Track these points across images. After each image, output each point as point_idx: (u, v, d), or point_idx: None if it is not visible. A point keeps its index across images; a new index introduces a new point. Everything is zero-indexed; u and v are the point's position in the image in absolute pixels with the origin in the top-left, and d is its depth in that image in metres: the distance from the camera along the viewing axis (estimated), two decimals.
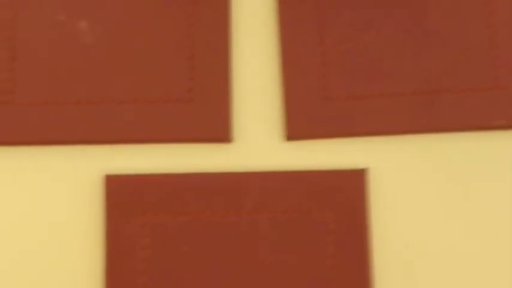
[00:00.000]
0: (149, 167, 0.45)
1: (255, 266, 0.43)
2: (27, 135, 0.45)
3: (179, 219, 0.43)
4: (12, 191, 0.45)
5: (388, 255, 0.44)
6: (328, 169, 0.44)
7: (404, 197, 0.45)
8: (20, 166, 0.45)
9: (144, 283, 0.42)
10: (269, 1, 0.48)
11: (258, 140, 0.46)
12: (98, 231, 0.44)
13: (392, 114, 0.45)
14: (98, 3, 0.47)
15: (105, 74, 0.46)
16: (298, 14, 0.47)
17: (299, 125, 0.45)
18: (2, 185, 0.45)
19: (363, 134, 0.45)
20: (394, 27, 0.46)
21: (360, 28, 0.46)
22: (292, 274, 0.43)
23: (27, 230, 0.44)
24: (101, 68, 0.46)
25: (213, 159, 0.45)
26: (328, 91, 0.45)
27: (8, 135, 0.45)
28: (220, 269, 0.43)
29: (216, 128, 0.45)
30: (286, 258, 0.43)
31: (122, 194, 0.44)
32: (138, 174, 0.44)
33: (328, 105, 0.45)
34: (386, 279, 0.44)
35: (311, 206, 0.44)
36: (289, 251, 0.43)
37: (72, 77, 0.45)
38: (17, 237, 0.44)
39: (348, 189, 0.44)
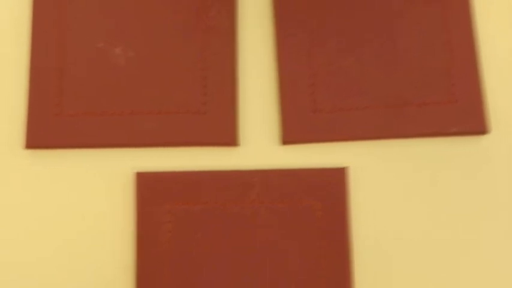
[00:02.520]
0: (171, 166, 0.48)
1: (257, 245, 0.47)
2: (72, 140, 0.49)
3: (196, 207, 0.47)
4: (63, 186, 0.49)
5: (364, 236, 0.47)
6: (316, 167, 0.48)
7: (378, 190, 0.48)
8: (67, 166, 0.49)
9: (168, 259, 0.46)
10: (269, 31, 0.51)
11: (260, 144, 0.49)
12: (130, 217, 0.48)
13: (368, 123, 0.48)
14: (129, 34, 0.50)
15: (136, 91, 0.49)
16: (292, 42, 0.50)
17: (292, 132, 0.49)
18: (54, 181, 0.49)
19: (344, 139, 0.49)
20: (369, 53, 0.50)
21: (342, 54, 0.50)
22: (286, 252, 0.46)
23: (74, 216, 0.48)
24: (132, 86, 0.49)
25: (223, 159, 0.49)
26: (316, 105, 0.49)
27: (57, 140, 0.49)
28: (228, 247, 0.47)
29: (225, 134, 0.49)
30: (282, 238, 0.47)
31: (150, 188, 0.47)
32: (163, 171, 0.48)
33: (316, 116, 0.49)
34: (363, 257, 0.47)
35: (302, 196, 0.47)
36: (284, 232, 0.47)
37: (108, 92, 0.49)
38: (66, 221, 0.48)
39: (332, 183, 0.47)
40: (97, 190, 0.49)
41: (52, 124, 0.49)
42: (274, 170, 0.48)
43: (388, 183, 0.49)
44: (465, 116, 0.48)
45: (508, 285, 0.47)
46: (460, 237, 0.48)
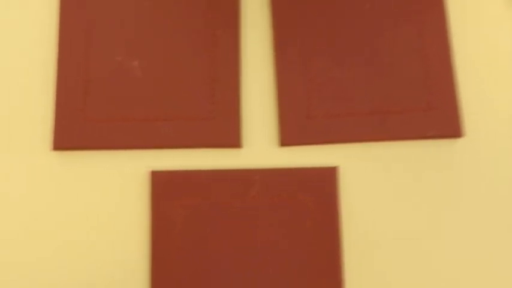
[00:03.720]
0: (182, 165, 0.51)
1: (257, 235, 0.49)
2: (95, 142, 0.51)
3: (204, 202, 0.49)
4: (86, 183, 0.51)
5: (352, 227, 0.50)
6: (309, 166, 0.50)
7: (365, 187, 0.51)
8: (90, 166, 0.51)
9: (180, 248, 0.49)
10: (268, 47, 0.54)
11: (260, 146, 0.52)
12: (146, 211, 0.50)
13: (356, 128, 0.51)
14: (145, 48, 0.53)
15: (151, 99, 0.52)
16: (289, 56, 0.53)
17: (289, 135, 0.51)
18: (79, 179, 0.51)
19: (334, 142, 0.51)
20: (357, 66, 0.52)
21: (333, 67, 0.52)
22: (282, 240, 0.49)
23: (95, 210, 0.50)
24: (147, 95, 0.52)
25: (227, 159, 0.51)
26: (310, 111, 0.52)
27: (81, 142, 0.51)
28: (232, 237, 0.49)
29: (230, 137, 0.51)
30: (279, 229, 0.49)
31: (163, 185, 0.50)
32: (175, 170, 0.50)
33: (311, 121, 0.51)
34: (351, 245, 0.50)
35: (297, 192, 0.50)
36: (281, 223, 0.49)
37: (127, 101, 0.51)
38: (89, 215, 0.50)
39: (324, 181, 0.50)
40: (116, 187, 0.51)
41: (77, 128, 0.51)
42: (272, 169, 0.50)
43: (374, 181, 0.51)
44: (441, 122, 0.51)
45: (480, 274, 0.50)
46: (437, 228, 0.50)
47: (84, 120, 0.52)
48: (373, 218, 0.51)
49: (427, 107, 0.52)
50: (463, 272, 0.50)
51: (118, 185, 0.51)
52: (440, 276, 0.50)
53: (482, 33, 0.55)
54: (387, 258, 0.50)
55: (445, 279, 0.50)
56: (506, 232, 0.51)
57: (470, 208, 0.51)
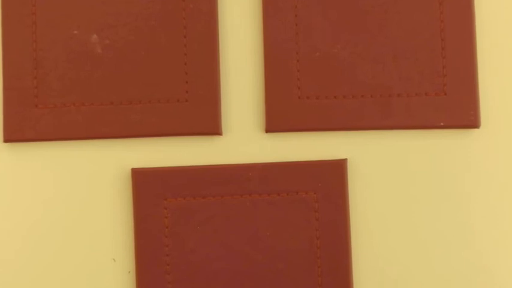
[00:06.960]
0: (161, 158, 0.49)
1: (256, 236, 0.48)
2: (52, 133, 0.48)
3: (194, 202, 0.48)
4: (42, 177, 0.49)
5: (361, 225, 0.49)
6: (301, 158, 0.48)
7: (363, 179, 0.49)
8: (47, 159, 0.49)
9: (166, 253, 0.47)
10: (253, 14, 0.50)
11: (242, 133, 0.49)
12: (129, 212, 0.49)
13: (354, 113, 0.48)
14: (105, 20, 0.49)
15: (115, 80, 0.49)
16: (278, 29, 0.49)
17: (275, 120, 0.48)
18: (34, 174, 0.49)
19: (327, 129, 0.48)
20: (358, 42, 0.49)
21: (330, 42, 0.49)
22: (283, 242, 0.47)
23: (56, 208, 0.49)
24: (111, 75, 0.49)
25: (207, 148, 0.49)
26: (301, 92, 0.49)
27: (35, 133, 0.48)
28: (227, 240, 0.48)
29: (208, 123, 0.48)
30: (280, 229, 0.48)
31: (145, 183, 0.48)
32: (156, 167, 0.48)
33: (301, 103, 0.48)
34: (360, 247, 0.49)
35: (299, 189, 0.48)
36: (282, 224, 0.48)
37: (86, 82, 0.48)
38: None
39: (332, 175, 0.48)
40: (80, 182, 0.49)
41: (30, 116, 0.49)
42: (271, 163, 0.49)
43: (375, 173, 0.49)
44: (454, 110, 0.48)
45: (493, 274, 0.49)
46: (446, 223, 0.49)
47: (37, 108, 0.49)
48: (380, 214, 0.50)
49: (437, 92, 0.49)
50: (474, 261, 0.50)
51: (82, 179, 0.50)
52: (453, 268, 0.49)
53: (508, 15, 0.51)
54: (398, 255, 0.50)
55: (458, 270, 0.49)
56: None
57: (483, 204, 0.50)
